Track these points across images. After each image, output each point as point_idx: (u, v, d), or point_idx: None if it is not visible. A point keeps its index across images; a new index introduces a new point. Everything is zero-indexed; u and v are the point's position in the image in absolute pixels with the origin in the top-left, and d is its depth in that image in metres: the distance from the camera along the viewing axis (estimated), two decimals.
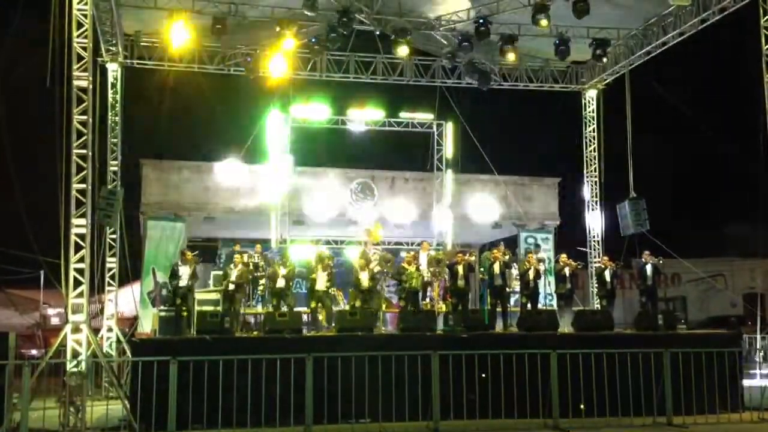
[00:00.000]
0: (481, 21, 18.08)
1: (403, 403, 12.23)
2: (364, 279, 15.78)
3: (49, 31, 14.07)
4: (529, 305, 16.24)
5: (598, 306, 17.78)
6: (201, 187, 22.18)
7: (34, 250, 15.16)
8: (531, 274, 16.17)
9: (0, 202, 15.41)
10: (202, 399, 11.66)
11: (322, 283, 15.76)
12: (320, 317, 16.03)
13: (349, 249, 20.76)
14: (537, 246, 21.85)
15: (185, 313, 14.79)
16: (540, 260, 16.92)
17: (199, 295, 16.04)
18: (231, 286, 15.35)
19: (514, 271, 17.61)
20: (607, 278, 16.97)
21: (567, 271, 16.56)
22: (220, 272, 17.90)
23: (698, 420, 12.95)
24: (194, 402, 11.61)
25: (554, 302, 18.39)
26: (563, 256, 17.02)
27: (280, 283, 15.63)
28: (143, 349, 13.33)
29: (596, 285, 17.46)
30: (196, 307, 15.31)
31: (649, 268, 16.74)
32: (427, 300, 16.93)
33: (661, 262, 16.96)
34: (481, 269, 16.84)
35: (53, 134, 14.26)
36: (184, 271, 15.02)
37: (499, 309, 16.01)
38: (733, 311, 31.87)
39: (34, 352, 22.45)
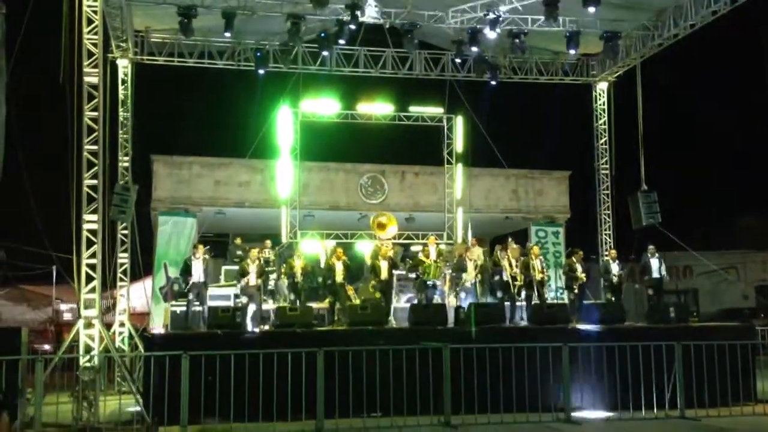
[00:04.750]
0: (490, 14, 18.02)
1: (414, 397, 12.21)
2: (384, 268, 15.77)
3: (59, 28, 14.13)
4: (538, 299, 16.21)
5: (608, 299, 17.71)
6: (212, 182, 22.22)
7: (47, 246, 15.27)
8: (538, 266, 16.15)
9: (12, 199, 15.48)
10: (214, 393, 11.69)
11: (339, 276, 15.79)
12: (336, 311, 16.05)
13: (360, 244, 20.79)
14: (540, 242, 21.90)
15: (197, 308, 14.85)
16: (544, 253, 16.86)
17: (211, 290, 16.09)
18: (253, 281, 15.39)
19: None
20: (615, 271, 16.92)
21: (579, 267, 16.49)
22: (232, 267, 17.94)
23: (711, 413, 12.90)
24: (206, 396, 11.64)
25: (565, 296, 18.34)
26: (580, 253, 16.91)
27: (299, 278, 15.73)
28: (155, 343, 13.39)
29: (605, 278, 17.40)
30: (208, 302, 15.35)
31: (654, 261, 16.69)
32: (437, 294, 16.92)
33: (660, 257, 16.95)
34: (491, 262, 16.80)
35: (65, 130, 14.33)
36: (197, 266, 15.05)
37: (508, 303, 16.01)
38: (745, 303, 31.78)
39: (47, 347, 22.61)
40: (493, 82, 21.12)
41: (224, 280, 17.83)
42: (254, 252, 15.90)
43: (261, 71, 20.11)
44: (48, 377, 12.21)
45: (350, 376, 12.09)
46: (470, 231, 21.16)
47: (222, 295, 16.74)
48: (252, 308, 15.35)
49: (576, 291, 16.46)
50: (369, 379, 12.20)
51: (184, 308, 15.32)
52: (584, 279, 16.43)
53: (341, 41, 18.55)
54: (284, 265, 16.64)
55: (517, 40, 18.77)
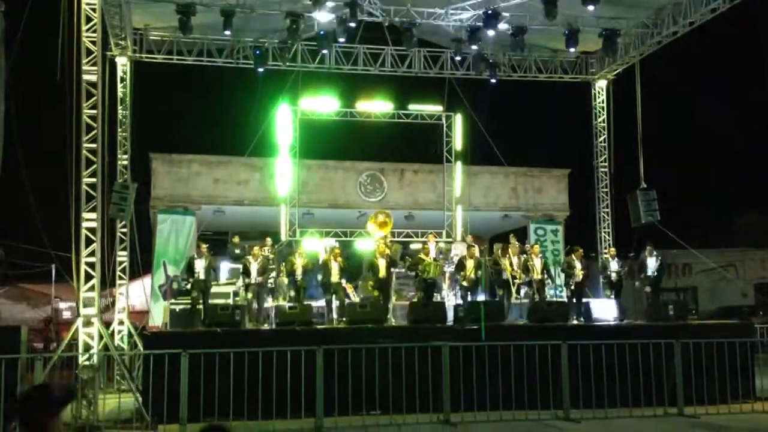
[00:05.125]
0: (490, 12, 18.00)
1: (413, 395, 12.23)
2: (382, 266, 15.77)
3: (58, 26, 14.10)
4: (537, 297, 16.22)
5: (608, 297, 17.74)
6: (211, 181, 22.22)
7: (46, 244, 15.24)
8: (538, 265, 16.15)
9: (11, 197, 15.48)
10: (213, 392, 11.69)
11: (335, 276, 15.79)
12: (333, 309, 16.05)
13: (359, 241, 20.78)
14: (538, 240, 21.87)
15: (201, 307, 14.85)
16: (543, 252, 16.86)
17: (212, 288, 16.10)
18: (258, 279, 15.38)
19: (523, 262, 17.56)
20: (614, 269, 16.91)
21: (578, 265, 16.48)
22: (232, 265, 17.95)
23: (710, 410, 12.92)
24: (205, 394, 11.64)
25: (564, 294, 18.34)
26: (580, 251, 16.91)
27: (299, 275, 15.74)
28: (154, 342, 13.38)
29: (604, 276, 17.43)
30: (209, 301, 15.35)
31: (651, 260, 16.69)
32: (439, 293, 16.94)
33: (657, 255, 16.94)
34: (491, 261, 16.82)
35: (63, 128, 14.31)
36: (200, 265, 15.06)
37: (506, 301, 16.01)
38: (744, 301, 31.80)
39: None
40: (493, 80, 21.10)
41: (223, 278, 17.83)
42: (256, 250, 15.90)
43: (260, 69, 20.08)
44: (47, 376, 12.19)
45: (349, 374, 12.09)
46: (468, 229, 21.19)
47: (221, 293, 16.74)
48: (255, 306, 15.39)
49: (573, 288, 16.46)
50: (368, 377, 12.21)
51: (184, 306, 15.33)
52: (580, 276, 16.40)
53: (341, 39, 18.54)
54: (284, 263, 16.65)
55: (516, 38, 18.75)
